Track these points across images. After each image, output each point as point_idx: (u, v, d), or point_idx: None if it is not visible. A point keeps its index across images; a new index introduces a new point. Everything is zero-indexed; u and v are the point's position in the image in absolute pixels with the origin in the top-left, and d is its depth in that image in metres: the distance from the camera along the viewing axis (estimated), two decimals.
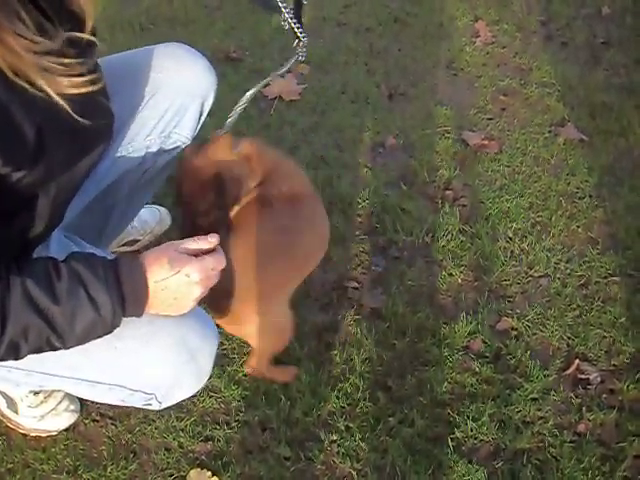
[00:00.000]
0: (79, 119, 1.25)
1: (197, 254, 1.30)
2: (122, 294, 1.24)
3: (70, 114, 1.23)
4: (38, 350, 1.24)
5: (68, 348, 1.26)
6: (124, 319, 1.27)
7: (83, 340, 1.26)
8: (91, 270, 1.23)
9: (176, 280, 1.27)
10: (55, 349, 1.25)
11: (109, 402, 1.57)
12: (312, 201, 1.86)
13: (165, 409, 1.56)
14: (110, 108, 1.43)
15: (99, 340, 1.28)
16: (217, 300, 1.68)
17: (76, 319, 1.22)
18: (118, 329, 1.28)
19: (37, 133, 1.19)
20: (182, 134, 1.78)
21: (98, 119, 1.35)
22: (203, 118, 1.81)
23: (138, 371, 1.43)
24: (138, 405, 1.51)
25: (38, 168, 1.22)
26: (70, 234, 1.61)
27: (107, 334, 1.27)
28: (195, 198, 1.68)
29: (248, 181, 1.74)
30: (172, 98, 1.72)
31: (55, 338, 1.22)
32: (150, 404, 1.50)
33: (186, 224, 1.72)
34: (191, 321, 1.41)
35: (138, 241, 2.22)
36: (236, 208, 1.74)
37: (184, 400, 1.55)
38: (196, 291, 1.30)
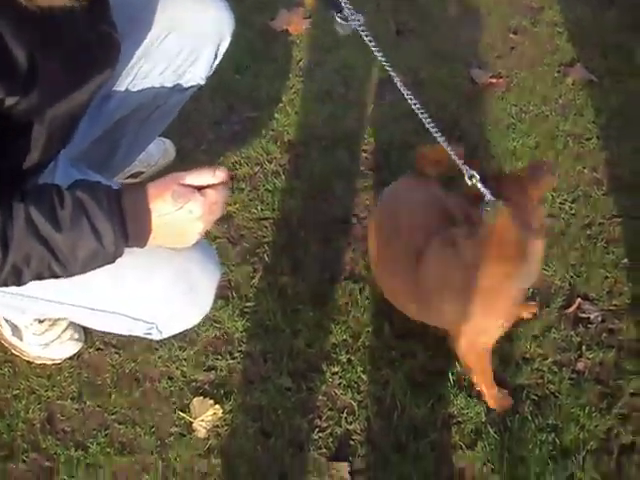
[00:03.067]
0: (74, 44, 1.23)
1: (201, 188, 1.27)
2: (125, 226, 1.23)
3: (64, 39, 1.21)
4: (40, 276, 1.24)
5: (69, 276, 1.26)
6: (128, 250, 1.27)
7: (84, 269, 1.26)
8: (95, 199, 1.22)
9: (179, 216, 1.25)
10: (57, 276, 1.25)
11: (110, 330, 1.59)
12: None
13: (166, 339, 1.58)
14: (115, 38, 1.41)
15: (101, 268, 1.28)
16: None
17: (78, 248, 1.21)
18: (122, 258, 1.27)
19: (29, 57, 1.16)
20: (196, 74, 1.76)
21: (99, 47, 1.34)
22: (219, 59, 1.79)
23: (138, 300, 1.44)
24: (139, 334, 1.52)
25: (32, 94, 1.20)
26: (79, 164, 1.60)
27: (109, 264, 1.27)
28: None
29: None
30: (188, 37, 1.70)
31: (57, 265, 1.22)
32: (150, 333, 1.51)
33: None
34: (194, 253, 1.41)
35: (142, 173, 2.21)
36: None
37: (185, 331, 1.56)
38: (199, 226, 1.28)
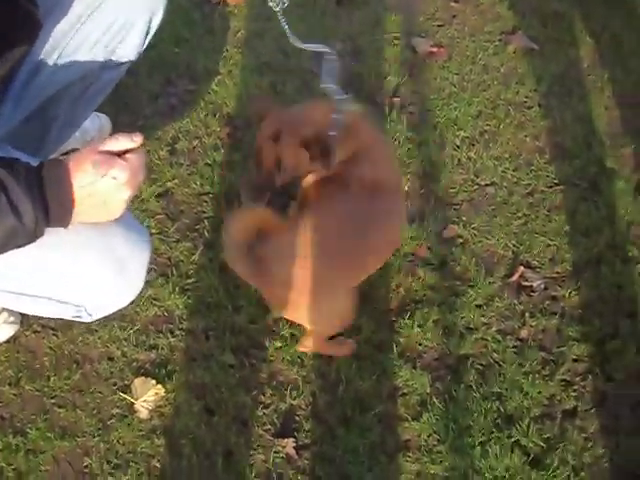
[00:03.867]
0: None
1: (120, 154, 1.23)
2: (45, 201, 1.17)
3: None
4: None
5: None
6: (50, 230, 1.22)
7: (3, 248, 1.20)
8: (12, 175, 1.16)
9: (103, 184, 1.20)
10: None
11: (39, 314, 1.54)
12: (393, 196, 1.78)
13: (98, 320, 1.52)
14: (32, 11, 1.35)
15: (23, 250, 1.23)
16: (275, 286, 1.67)
17: None
18: (44, 239, 1.22)
19: None
20: (128, 50, 1.70)
21: (13, 21, 1.28)
22: (151, 35, 1.73)
23: (64, 282, 1.39)
24: (68, 317, 1.47)
25: None
26: (3, 144, 1.53)
27: (29, 243, 1.21)
28: (280, 152, 1.65)
29: (336, 153, 1.66)
30: (118, 12, 1.64)
31: None
32: (80, 316, 1.46)
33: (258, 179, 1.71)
34: (121, 230, 1.36)
35: (78, 150, 2.14)
36: (310, 179, 1.71)
37: (116, 312, 1.50)
38: (125, 193, 1.23)
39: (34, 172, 1.18)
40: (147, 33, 1.72)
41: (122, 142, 1.24)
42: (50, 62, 1.62)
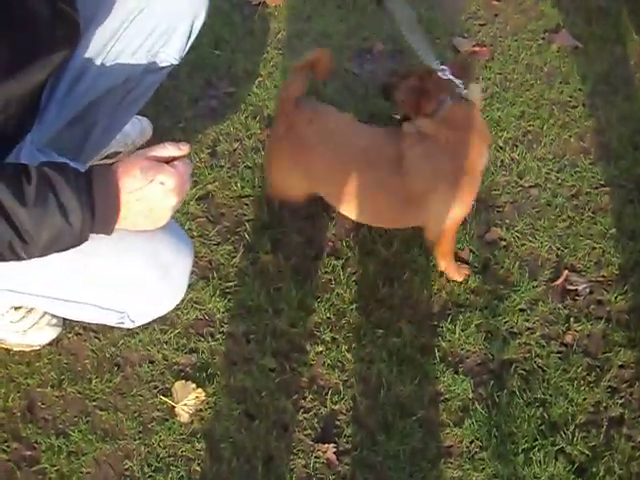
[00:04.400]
0: (22, 20, 1.18)
1: (168, 161, 1.24)
2: (93, 202, 1.18)
3: (10, 14, 1.16)
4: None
5: (30, 257, 1.20)
6: (94, 236, 1.22)
7: (48, 249, 1.20)
8: (62, 175, 1.17)
9: (151, 189, 1.21)
10: (17, 256, 1.19)
11: (82, 320, 1.55)
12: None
13: (141, 326, 1.54)
14: (73, 16, 1.36)
15: (68, 257, 1.23)
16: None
17: (43, 224, 1.16)
18: (88, 246, 1.22)
19: None
20: (170, 54, 1.71)
21: (53, 25, 1.28)
22: (193, 38, 1.73)
23: (107, 289, 1.40)
24: (111, 323, 1.48)
25: None
26: (47, 149, 1.55)
27: (74, 246, 1.22)
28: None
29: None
30: (161, 16, 1.64)
31: (18, 243, 1.16)
32: (123, 322, 1.46)
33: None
34: (164, 236, 1.36)
35: (119, 153, 2.16)
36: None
37: (158, 318, 1.52)
38: (172, 199, 1.24)
39: (83, 176, 1.19)
40: (189, 36, 1.71)
41: (170, 150, 1.25)
42: (93, 68, 1.63)
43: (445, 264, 1.96)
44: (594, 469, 1.68)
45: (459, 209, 1.82)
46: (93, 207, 1.18)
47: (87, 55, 1.59)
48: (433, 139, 1.75)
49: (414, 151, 1.77)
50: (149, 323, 1.77)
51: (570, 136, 2.36)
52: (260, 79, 2.47)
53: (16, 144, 1.40)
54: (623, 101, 2.47)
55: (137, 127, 2.19)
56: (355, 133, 1.87)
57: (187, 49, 1.74)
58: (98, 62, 1.62)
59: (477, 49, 2.62)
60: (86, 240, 1.21)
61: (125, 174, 1.21)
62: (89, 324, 1.86)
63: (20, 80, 1.24)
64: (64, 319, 1.86)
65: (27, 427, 1.73)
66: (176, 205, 1.26)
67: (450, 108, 1.75)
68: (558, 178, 2.24)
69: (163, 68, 1.74)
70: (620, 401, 1.79)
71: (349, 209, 1.88)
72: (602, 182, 2.24)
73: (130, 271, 1.36)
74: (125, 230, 1.25)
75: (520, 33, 2.71)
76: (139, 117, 2.19)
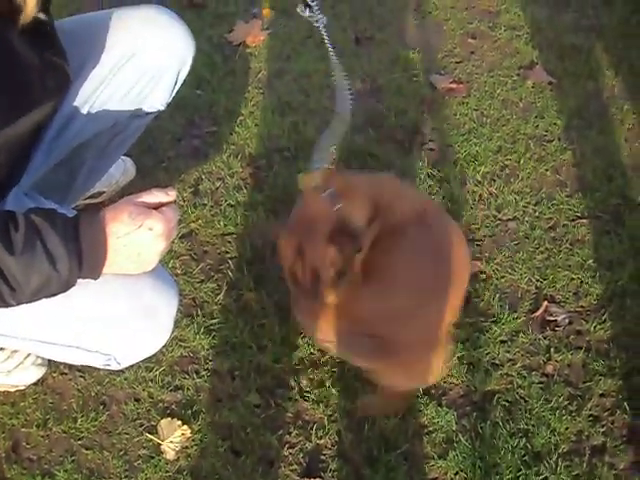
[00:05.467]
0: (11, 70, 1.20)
1: (156, 207, 1.26)
2: (80, 250, 1.20)
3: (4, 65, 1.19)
4: None
5: (18, 303, 1.22)
6: (80, 281, 1.24)
7: (36, 295, 1.22)
8: (49, 222, 1.19)
9: (139, 234, 1.23)
10: (6, 303, 1.20)
11: (68, 362, 1.55)
12: (438, 212, 1.70)
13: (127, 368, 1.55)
14: (62, 66, 1.39)
15: (53, 300, 1.25)
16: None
17: (31, 272, 1.18)
18: (73, 289, 1.24)
19: None
20: (157, 100, 1.75)
21: (43, 76, 1.31)
22: (179, 84, 1.77)
23: (93, 332, 1.41)
24: (97, 365, 1.49)
25: None
26: (33, 193, 1.56)
27: (62, 292, 1.23)
28: (312, 262, 1.53)
29: (364, 222, 1.55)
30: (148, 64, 1.68)
31: (6, 290, 1.18)
32: (109, 364, 1.48)
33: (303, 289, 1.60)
34: (150, 279, 1.38)
35: (103, 193, 2.18)
36: (359, 256, 1.55)
37: (145, 360, 1.53)
38: (160, 244, 1.26)
39: (71, 222, 1.21)
40: (175, 83, 1.75)
41: (157, 195, 1.27)
42: (81, 114, 1.65)
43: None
44: None
45: None
46: (80, 254, 1.20)
47: (76, 102, 1.62)
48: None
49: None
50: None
51: (546, 170, 2.41)
52: (241, 118, 2.51)
53: (6, 194, 1.41)
54: (597, 135, 2.53)
55: (121, 167, 2.22)
56: None
57: (173, 95, 1.78)
58: (86, 109, 1.65)
59: (454, 86, 2.67)
60: (73, 286, 1.23)
61: (113, 219, 1.23)
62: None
63: (11, 129, 1.26)
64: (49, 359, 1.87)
65: (12, 468, 1.72)
66: (164, 250, 1.28)
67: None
68: (536, 211, 2.28)
69: (149, 114, 1.78)
70: (602, 429, 1.81)
71: None
72: (579, 214, 2.28)
73: (116, 314, 1.37)
74: (111, 274, 1.27)
75: (496, 70, 2.77)
76: (123, 157, 2.21)
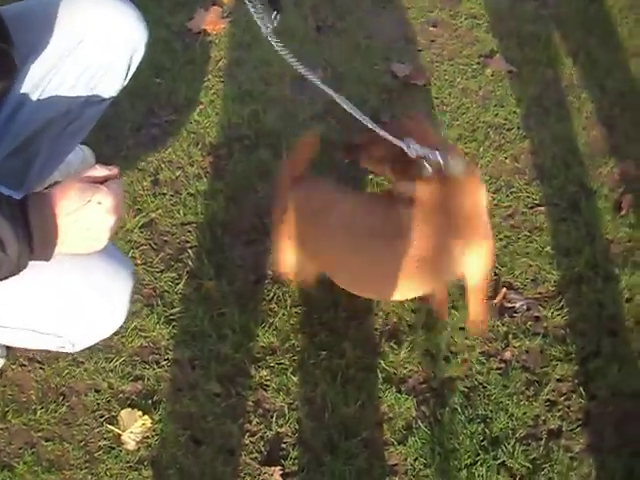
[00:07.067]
0: None
1: (102, 182, 1.25)
2: (29, 232, 1.18)
3: None
4: None
5: None
6: (31, 263, 1.23)
7: None
8: None
9: (88, 209, 1.22)
10: None
11: (21, 346, 1.54)
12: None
13: (82, 351, 1.54)
14: (8, 52, 1.37)
15: (4, 283, 1.23)
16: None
17: None
18: (26, 271, 1.23)
19: None
20: (109, 86, 1.72)
21: None
22: (132, 70, 1.75)
23: (46, 313, 1.40)
24: (51, 348, 1.48)
25: None
26: None
27: (12, 275, 1.22)
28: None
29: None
30: (99, 49, 1.65)
31: None
32: (63, 346, 1.46)
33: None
34: (103, 259, 1.37)
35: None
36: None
37: (100, 342, 1.52)
38: (110, 219, 1.24)
39: (17, 204, 1.19)
40: (128, 70, 1.73)
41: (101, 171, 1.26)
42: (32, 100, 1.63)
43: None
44: None
45: (478, 257, 1.78)
46: (30, 235, 1.18)
47: (25, 87, 1.60)
48: (423, 200, 1.72)
49: (410, 215, 1.72)
50: (93, 350, 1.82)
51: (505, 157, 2.43)
52: (201, 107, 2.50)
53: None
54: (556, 122, 2.55)
55: (79, 156, 2.19)
56: (351, 206, 1.83)
57: (127, 82, 1.76)
58: (37, 94, 1.63)
59: (415, 74, 2.68)
60: (25, 268, 1.22)
61: (61, 197, 1.21)
62: (33, 355, 1.85)
63: None
64: (8, 350, 1.85)
65: None
66: (113, 226, 1.26)
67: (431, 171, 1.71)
68: (494, 199, 2.30)
69: (103, 100, 1.76)
70: (558, 414, 1.84)
71: (360, 288, 1.87)
72: (537, 201, 2.31)
73: (68, 295, 1.36)
74: (63, 255, 1.26)
75: (456, 58, 2.78)
76: (81, 146, 2.19)
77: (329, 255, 1.83)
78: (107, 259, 1.39)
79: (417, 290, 1.84)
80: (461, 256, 1.75)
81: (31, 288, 1.33)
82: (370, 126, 1.64)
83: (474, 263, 1.78)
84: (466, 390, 1.87)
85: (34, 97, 1.63)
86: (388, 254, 1.75)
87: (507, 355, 1.94)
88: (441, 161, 1.69)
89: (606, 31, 2.90)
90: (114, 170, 1.28)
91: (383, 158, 1.81)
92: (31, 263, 1.22)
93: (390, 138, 1.66)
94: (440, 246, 1.73)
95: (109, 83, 1.71)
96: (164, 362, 1.88)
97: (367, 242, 1.76)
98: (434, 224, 1.72)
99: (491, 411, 1.83)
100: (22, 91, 1.61)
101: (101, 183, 1.25)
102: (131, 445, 1.74)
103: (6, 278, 1.22)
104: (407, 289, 1.81)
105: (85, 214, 1.22)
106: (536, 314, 2.03)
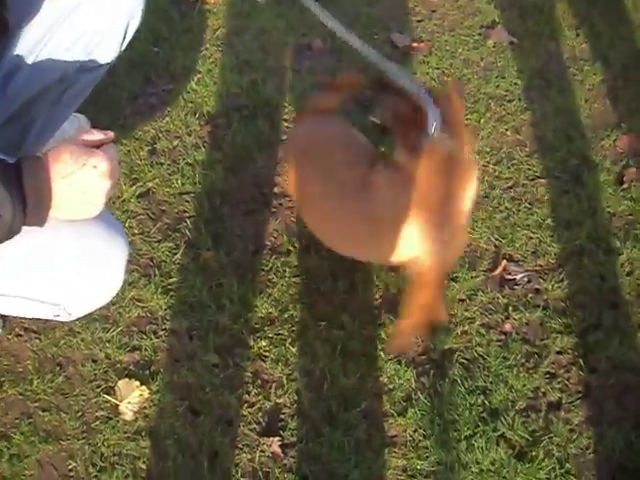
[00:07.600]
0: None
1: (97, 146, 1.23)
2: (23, 194, 1.15)
3: None
4: None
5: None
6: (26, 228, 1.21)
7: None
8: None
9: (84, 173, 1.19)
10: None
11: (17, 314, 1.53)
12: None
13: (78, 319, 1.53)
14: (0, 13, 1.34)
15: None
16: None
17: None
18: (19, 237, 1.20)
19: None
20: (105, 53, 1.69)
21: None
22: (129, 37, 1.71)
23: (41, 281, 1.38)
24: (47, 317, 1.46)
25: None
26: None
27: (6, 239, 1.20)
28: None
29: None
30: (94, 14, 1.62)
31: None
32: (59, 315, 1.44)
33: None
34: (99, 225, 1.35)
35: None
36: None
37: (96, 310, 1.50)
38: (105, 183, 1.22)
39: (11, 167, 1.17)
40: (124, 36, 1.70)
41: (96, 135, 1.24)
42: (27, 65, 1.60)
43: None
44: (534, 453, 1.71)
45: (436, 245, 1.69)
46: (24, 198, 1.16)
47: (19, 52, 1.57)
48: (405, 170, 1.65)
49: (381, 177, 1.68)
50: (90, 320, 1.80)
51: (507, 129, 2.41)
52: (199, 76, 2.47)
53: None
54: (557, 94, 2.53)
55: (74, 124, 2.16)
56: (338, 153, 1.80)
57: (123, 48, 1.73)
58: (31, 59, 1.60)
59: (415, 45, 2.66)
60: (19, 232, 1.19)
61: (56, 160, 1.19)
62: (30, 325, 1.84)
63: None
64: (4, 321, 1.83)
65: None
66: (109, 191, 1.24)
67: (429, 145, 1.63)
68: (495, 170, 2.28)
69: (99, 67, 1.73)
70: (558, 386, 1.83)
71: (324, 235, 1.84)
72: (538, 174, 2.29)
73: (63, 262, 1.35)
74: (58, 220, 1.24)
75: (457, 29, 2.75)
76: (77, 114, 2.16)
77: (308, 197, 1.82)
78: (103, 225, 1.37)
79: (379, 257, 1.80)
80: (420, 238, 1.66)
81: (26, 254, 1.31)
82: (395, 76, 1.67)
83: (430, 249, 1.68)
84: (466, 362, 1.86)
85: (29, 61, 1.60)
86: (351, 209, 1.72)
87: (507, 327, 1.93)
88: (447, 140, 1.63)
89: (610, 3, 2.87)
90: (109, 134, 1.26)
91: (394, 110, 1.76)
92: (26, 229, 1.20)
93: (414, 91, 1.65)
94: (404, 219, 1.66)
95: (105, 49, 1.68)
96: (162, 332, 1.86)
97: (336, 192, 1.73)
98: (409, 197, 1.65)
99: (491, 383, 1.82)
100: (16, 56, 1.58)
101: (96, 147, 1.23)
102: (128, 415, 1.73)
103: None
104: (367, 250, 1.79)
105: (80, 177, 1.20)
106: (536, 286, 2.02)
